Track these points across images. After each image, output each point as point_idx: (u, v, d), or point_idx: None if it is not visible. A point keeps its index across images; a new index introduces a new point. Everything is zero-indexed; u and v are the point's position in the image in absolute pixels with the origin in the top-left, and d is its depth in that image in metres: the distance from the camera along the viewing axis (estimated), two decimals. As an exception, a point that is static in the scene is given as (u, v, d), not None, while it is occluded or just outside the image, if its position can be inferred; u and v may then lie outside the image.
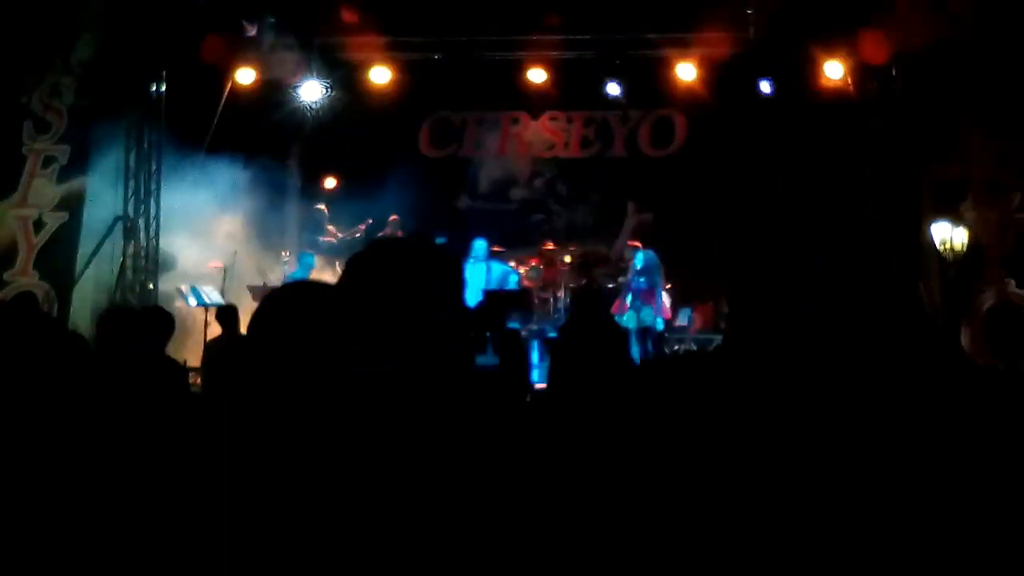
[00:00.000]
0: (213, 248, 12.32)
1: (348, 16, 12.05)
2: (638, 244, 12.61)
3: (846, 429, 1.86)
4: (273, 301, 1.93)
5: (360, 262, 1.87)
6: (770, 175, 12.75)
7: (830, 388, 1.92)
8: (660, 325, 12.04)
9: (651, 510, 1.94)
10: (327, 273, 12.03)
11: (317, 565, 1.63)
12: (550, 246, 13.38)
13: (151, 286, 11.98)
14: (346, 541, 1.62)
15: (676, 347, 12.21)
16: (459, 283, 1.90)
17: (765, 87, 12.41)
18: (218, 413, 1.82)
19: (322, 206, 13.76)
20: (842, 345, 2.12)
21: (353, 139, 13.61)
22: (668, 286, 12.18)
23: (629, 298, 11.96)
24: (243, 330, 5.59)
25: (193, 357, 9.32)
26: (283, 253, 13.02)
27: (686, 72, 12.57)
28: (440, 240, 12.63)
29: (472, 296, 11.90)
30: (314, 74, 12.60)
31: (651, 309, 11.97)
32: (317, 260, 12.65)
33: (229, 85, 12.48)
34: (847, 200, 11.93)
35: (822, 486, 1.81)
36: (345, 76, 12.88)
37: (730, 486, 1.91)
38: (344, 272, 1.89)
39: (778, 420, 1.87)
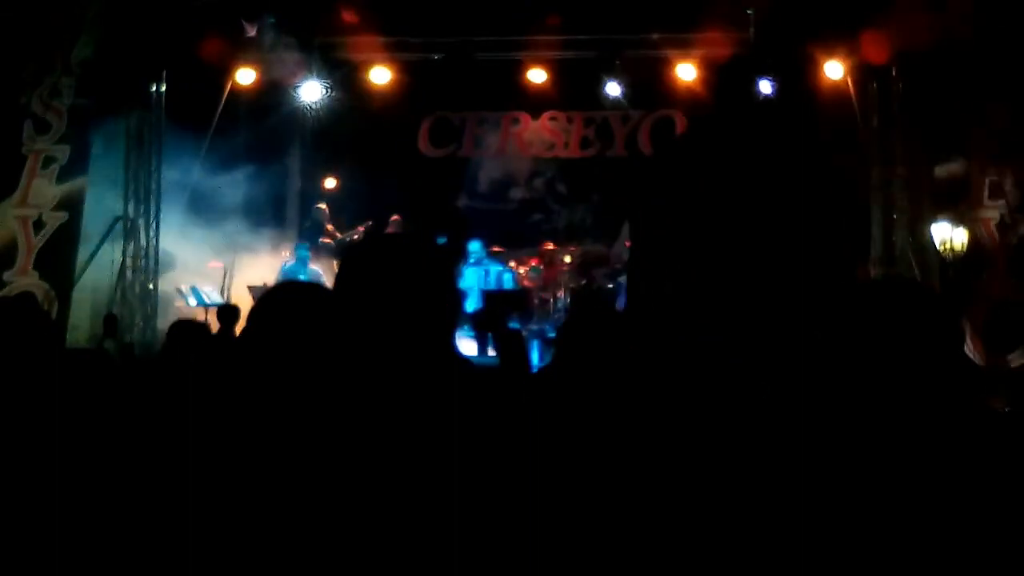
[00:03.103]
0: (213, 248, 12.32)
1: (348, 17, 12.06)
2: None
3: (850, 427, 1.86)
4: (267, 301, 1.93)
5: (357, 256, 1.86)
6: (770, 175, 12.71)
7: (831, 386, 1.92)
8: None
9: (653, 504, 1.94)
10: (326, 273, 12.04)
11: (312, 562, 1.62)
12: (550, 246, 13.37)
13: (151, 286, 11.98)
14: (342, 539, 1.62)
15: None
16: (452, 280, 1.90)
17: (765, 87, 12.40)
18: (215, 412, 1.82)
19: (323, 205, 13.74)
20: (843, 344, 2.11)
21: (353, 139, 13.60)
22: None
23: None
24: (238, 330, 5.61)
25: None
26: (283, 253, 13.03)
27: (686, 72, 12.57)
28: (440, 240, 12.65)
29: (471, 297, 11.92)
30: (314, 74, 12.60)
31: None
32: (317, 260, 12.67)
33: (229, 85, 12.49)
34: (847, 200, 11.91)
35: (825, 484, 1.80)
36: (345, 76, 12.88)
37: (729, 481, 1.90)
38: (341, 266, 1.88)
39: (778, 413, 1.86)
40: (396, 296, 1.74)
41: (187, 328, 4.72)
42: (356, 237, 13.26)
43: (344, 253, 1.91)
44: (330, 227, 13.61)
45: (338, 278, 1.83)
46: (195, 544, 1.68)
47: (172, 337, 4.54)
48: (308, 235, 13.59)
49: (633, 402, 2.22)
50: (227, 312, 8.80)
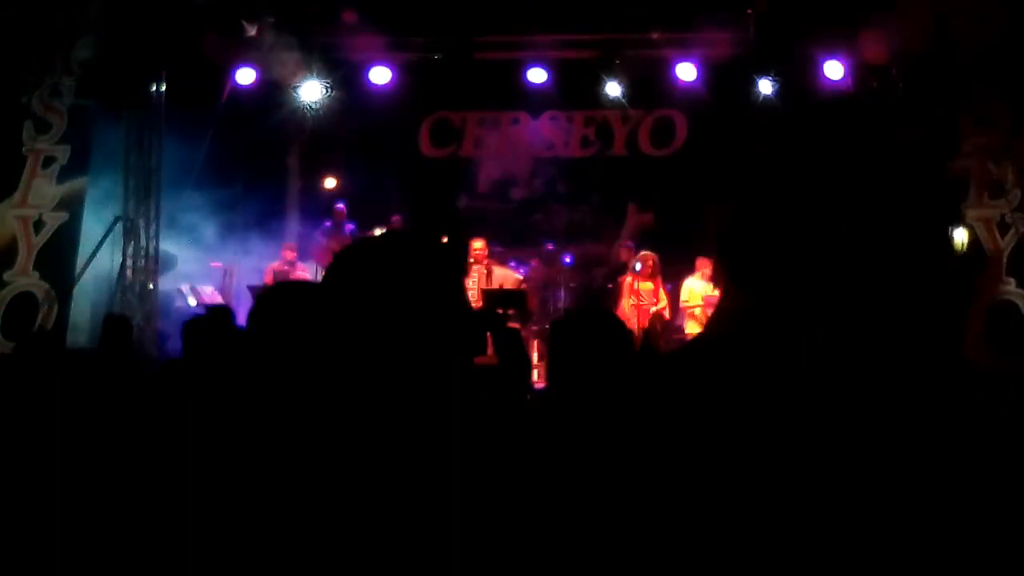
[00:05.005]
0: (213, 248, 12.32)
1: (348, 17, 12.07)
2: (630, 244, 12.67)
3: (850, 428, 1.86)
4: (266, 301, 1.93)
5: (346, 258, 1.84)
6: (770, 175, 12.72)
7: (830, 387, 1.92)
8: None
9: (655, 511, 1.94)
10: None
11: (310, 562, 1.63)
12: (550, 246, 13.37)
13: (151, 286, 11.97)
14: (341, 539, 1.62)
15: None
16: (458, 279, 1.88)
17: (765, 87, 12.39)
18: (217, 411, 1.82)
19: (341, 205, 13.55)
20: (843, 344, 2.12)
21: (353, 139, 13.60)
22: (667, 286, 12.20)
23: (633, 298, 11.98)
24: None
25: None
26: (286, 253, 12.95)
27: (686, 72, 12.57)
28: (441, 240, 12.63)
29: (472, 296, 11.91)
30: (314, 74, 12.59)
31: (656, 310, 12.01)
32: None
33: (229, 85, 12.49)
34: (847, 200, 11.91)
35: (828, 489, 1.80)
36: (345, 76, 12.88)
37: (736, 488, 1.90)
38: (328, 267, 1.84)
39: (786, 420, 1.86)
40: (390, 294, 1.74)
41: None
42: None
43: (337, 253, 1.86)
44: (350, 227, 13.53)
45: (326, 276, 1.80)
46: (195, 544, 1.69)
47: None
48: (328, 233, 13.46)
49: (637, 404, 2.22)
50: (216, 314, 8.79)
